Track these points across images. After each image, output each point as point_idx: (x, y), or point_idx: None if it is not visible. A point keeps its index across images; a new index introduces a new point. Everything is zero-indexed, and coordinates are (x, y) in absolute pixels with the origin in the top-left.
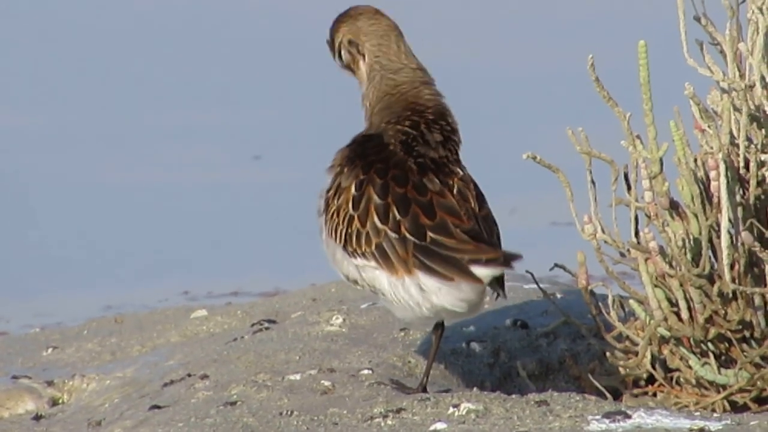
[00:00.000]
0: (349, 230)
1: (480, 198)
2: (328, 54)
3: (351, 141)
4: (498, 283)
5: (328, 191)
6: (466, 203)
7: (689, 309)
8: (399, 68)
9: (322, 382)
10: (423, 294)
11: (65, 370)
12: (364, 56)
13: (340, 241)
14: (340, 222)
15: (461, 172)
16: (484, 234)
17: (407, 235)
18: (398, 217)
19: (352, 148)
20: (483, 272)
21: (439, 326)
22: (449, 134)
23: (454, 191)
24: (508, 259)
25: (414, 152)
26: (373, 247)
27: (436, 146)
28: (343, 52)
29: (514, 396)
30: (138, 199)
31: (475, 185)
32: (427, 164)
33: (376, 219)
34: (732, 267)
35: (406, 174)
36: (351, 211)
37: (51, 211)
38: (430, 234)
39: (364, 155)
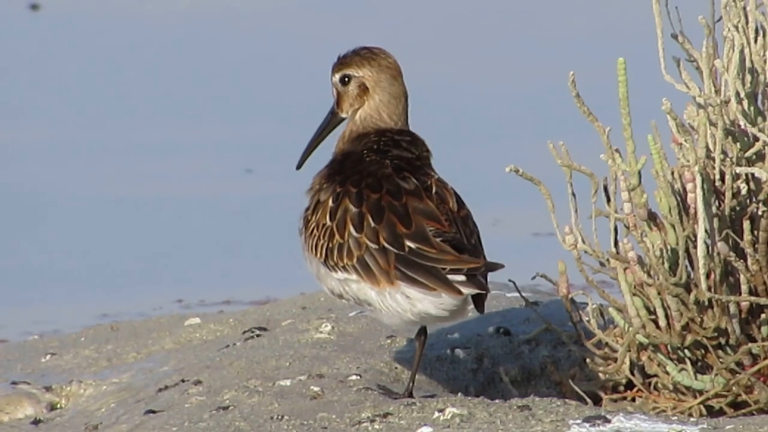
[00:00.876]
0: (330, 245)
1: (458, 198)
2: (334, 57)
3: (329, 162)
4: (478, 298)
5: (306, 210)
6: (444, 204)
7: (667, 317)
8: (391, 126)
9: (312, 387)
10: (409, 301)
11: (63, 376)
12: (365, 101)
13: (321, 256)
14: (320, 236)
15: (437, 175)
16: (464, 240)
17: (386, 245)
18: (373, 224)
19: (331, 167)
20: (462, 284)
21: (422, 333)
22: (416, 143)
23: (432, 191)
24: (489, 268)
25: (389, 155)
26: (355, 260)
27: (407, 146)
28: (351, 85)
29: (497, 401)
30: (134, 211)
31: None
32: (403, 166)
33: (351, 228)
34: (708, 276)
35: (380, 181)
36: (328, 222)
37: (50, 222)
38: (408, 243)
39: (342, 171)
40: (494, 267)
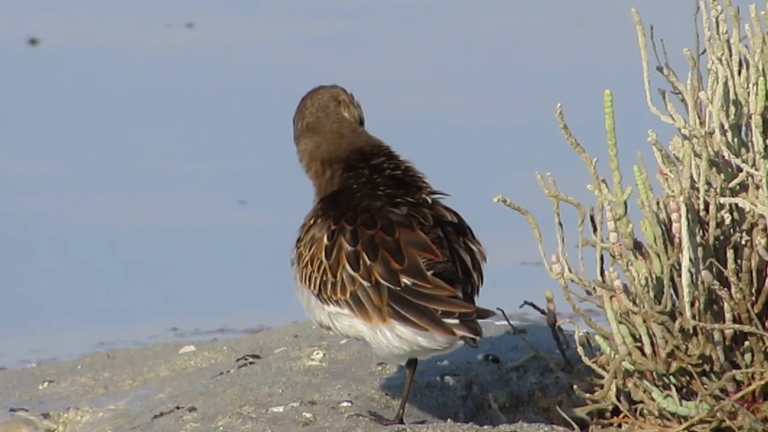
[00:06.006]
0: (324, 278)
1: (457, 215)
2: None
3: (319, 200)
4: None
5: (299, 241)
6: (440, 219)
7: (652, 344)
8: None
9: (304, 414)
10: (400, 339)
11: (60, 403)
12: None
13: (315, 289)
14: (315, 270)
15: (430, 187)
16: (458, 270)
17: (381, 280)
18: (368, 262)
19: (323, 203)
20: (456, 327)
21: (413, 362)
22: (395, 159)
23: (429, 203)
24: (480, 315)
25: (379, 187)
26: (348, 295)
27: (396, 165)
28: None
29: (486, 427)
30: (130, 241)
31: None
32: (395, 192)
33: (348, 267)
34: (692, 304)
35: (374, 216)
36: (324, 260)
37: (47, 251)
38: (404, 279)
39: (336, 207)
40: (485, 314)
